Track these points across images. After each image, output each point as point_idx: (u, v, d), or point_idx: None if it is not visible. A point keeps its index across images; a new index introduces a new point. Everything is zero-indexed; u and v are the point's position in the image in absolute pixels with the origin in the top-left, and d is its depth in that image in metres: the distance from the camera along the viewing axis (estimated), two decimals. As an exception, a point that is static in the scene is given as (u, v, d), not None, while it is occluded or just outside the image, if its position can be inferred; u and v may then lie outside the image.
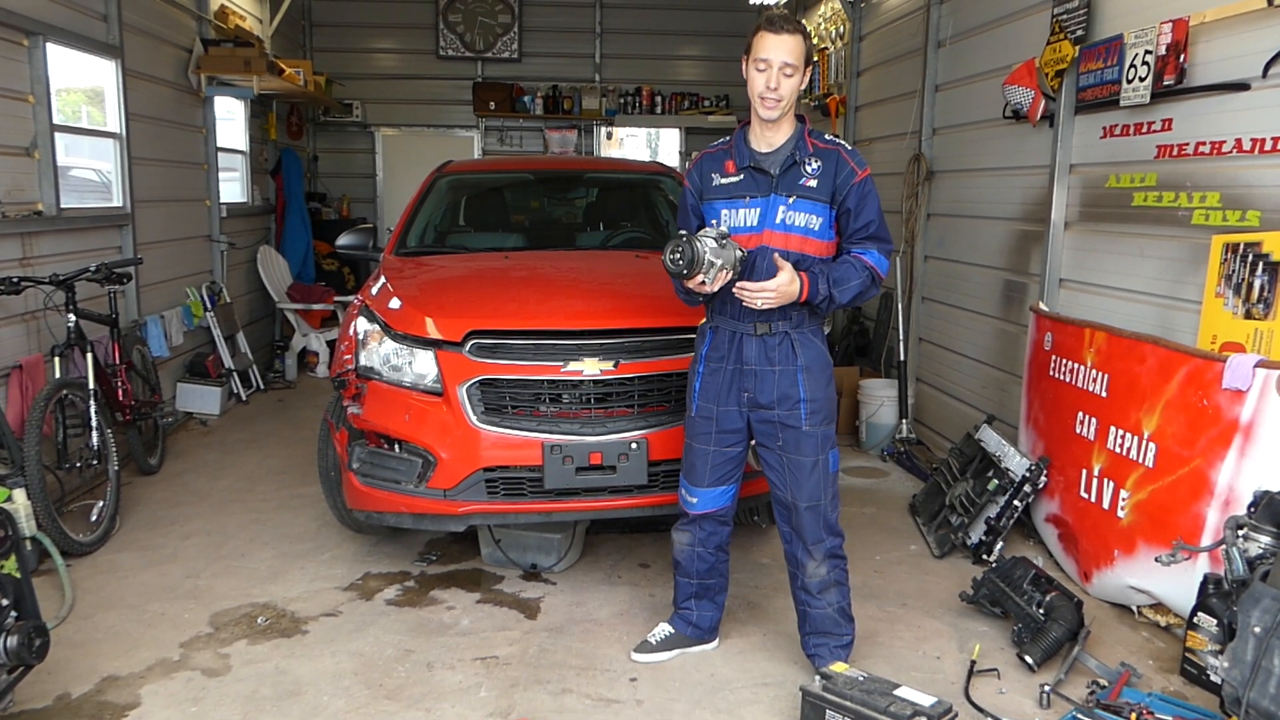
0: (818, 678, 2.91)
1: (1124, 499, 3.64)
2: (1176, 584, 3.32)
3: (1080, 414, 3.99)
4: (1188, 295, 3.68)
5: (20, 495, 2.76)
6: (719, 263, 2.88)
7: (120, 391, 5.03)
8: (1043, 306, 4.52)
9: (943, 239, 6.07)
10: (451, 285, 4.32)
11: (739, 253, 2.95)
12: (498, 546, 4.18)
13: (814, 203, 3.00)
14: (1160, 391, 3.49)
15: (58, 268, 4.63)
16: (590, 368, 3.67)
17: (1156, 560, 3.08)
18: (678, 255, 2.85)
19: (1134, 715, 2.81)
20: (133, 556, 4.28)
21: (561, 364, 3.68)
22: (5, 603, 2.57)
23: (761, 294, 2.92)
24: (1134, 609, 3.67)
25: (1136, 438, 3.60)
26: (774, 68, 2.89)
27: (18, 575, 2.69)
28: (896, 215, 6.26)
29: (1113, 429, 3.75)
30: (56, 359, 4.43)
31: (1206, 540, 3.15)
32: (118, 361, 5.09)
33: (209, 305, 6.94)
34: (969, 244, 5.68)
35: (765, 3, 8.04)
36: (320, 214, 9.85)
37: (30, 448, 3.97)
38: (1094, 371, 3.92)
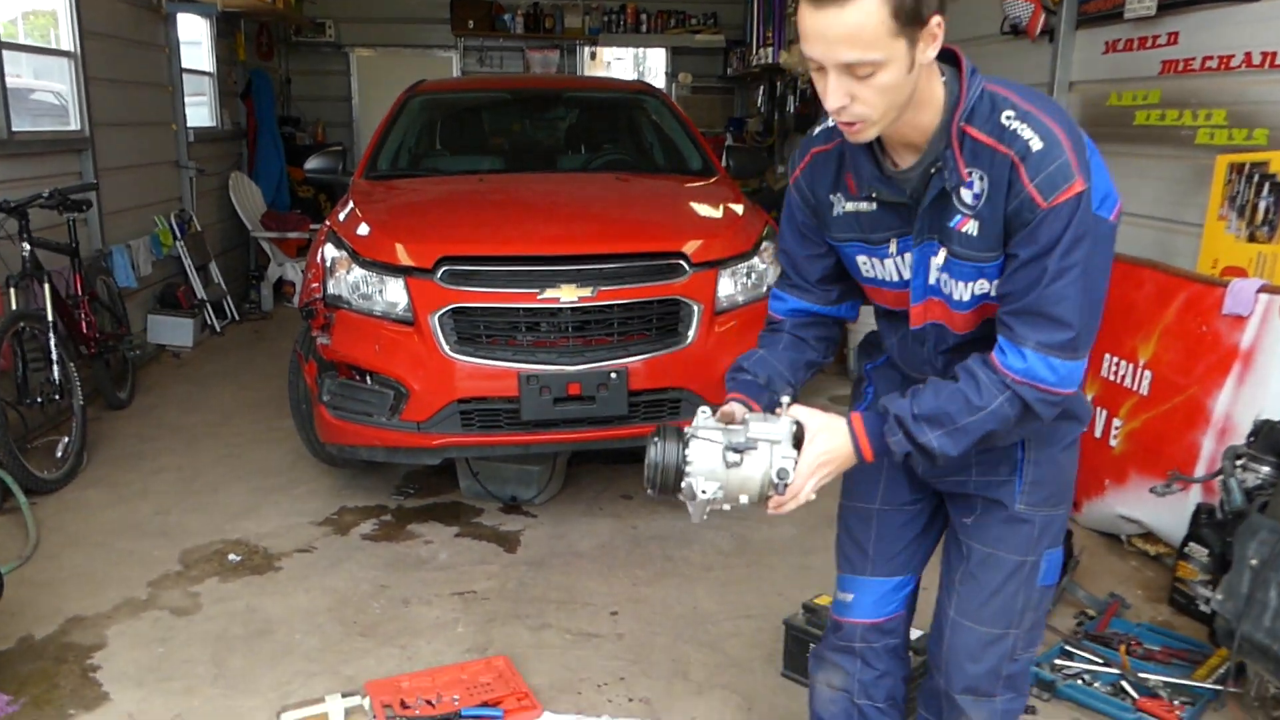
0: (801, 610, 2.84)
1: (1116, 428, 3.55)
2: (1167, 513, 3.25)
3: (1073, 340, 3.87)
4: (1189, 218, 3.55)
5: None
6: (710, 493, 1.64)
7: (84, 324, 4.85)
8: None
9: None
10: (423, 209, 4.15)
11: (775, 470, 1.65)
12: (476, 479, 4.09)
13: (978, 265, 1.59)
14: (1158, 318, 3.38)
15: (10, 195, 4.42)
16: (567, 294, 3.52)
17: (1151, 490, 3.00)
18: (649, 466, 1.66)
19: (1123, 647, 2.75)
20: (100, 493, 4.17)
21: (538, 291, 3.53)
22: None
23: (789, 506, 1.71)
24: (1123, 538, 3.61)
25: (1131, 365, 3.50)
26: (829, 70, 1.47)
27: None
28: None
29: (1107, 356, 3.64)
30: (12, 290, 4.24)
31: (1202, 470, 3.07)
32: (80, 293, 4.90)
33: (178, 234, 6.73)
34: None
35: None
36: (294, 139, 9.55)
37: (-14, 382, 3.82)
38: (1088, 297, 3.79)
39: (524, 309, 3.55)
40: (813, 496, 1.68)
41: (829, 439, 1.67)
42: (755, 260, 3.88)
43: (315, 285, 3.86)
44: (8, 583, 3.27)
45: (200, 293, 6.89)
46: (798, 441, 1.67)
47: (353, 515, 3.99)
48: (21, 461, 3.95)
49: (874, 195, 1.64)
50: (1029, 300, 1.52)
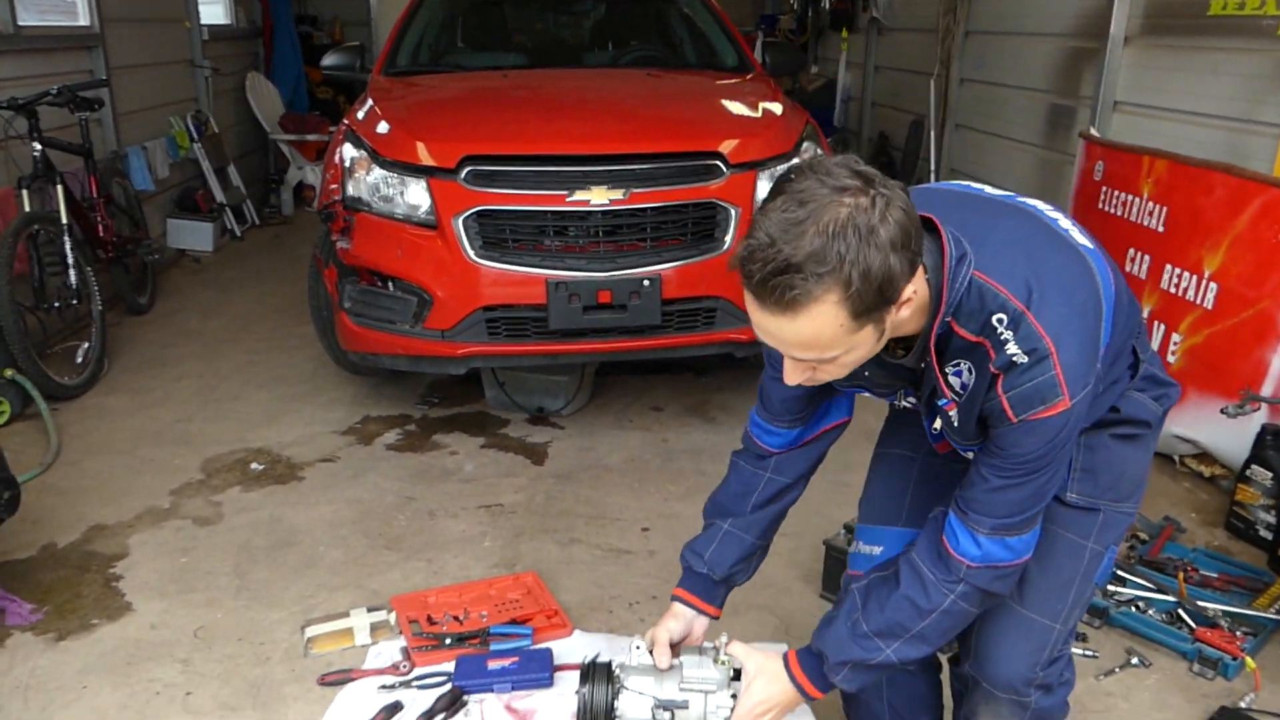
0: (841, 529, 2.72)
1: (1175, 343, 3.36)
2: (1228, 434, 3.09)
3: (1131, 251, 3.66)
4: (1266, 118, 3.30)
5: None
6: None
7: (100, 227, 4.73)
8: (1094, 132, 4.13)
9: (982, 59, 5.58)
10: (445, 107, 3.95)
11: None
12: (502, 389, 3.97)
13: (970, 444, 1.48)
14: (1228, 226, 3.16)
15: (18, 92, 4.24)
16: (598, 197, 3.34)
17: (1222, 411, 2.83)
18: (579, 709, 1.64)
19: (1180, 574, 2.62)
20: (122, 400, 4.09)
21: (566, 193, 3.35)
22: (-37, 454, 2.36)
23: None
24: (1176, 459, 3.45)
25: (1195, 277, 3.29)
26: (788, 358, 1.37)
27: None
28: (930, 35, 5.73)
29: (1168, 267, 3.44)
30: (25, 191, 4.10)
31: (1270, 389, 2.90)
32: (95, 195, 4.76)
33: (195, 135, 6.54)
34: (1012, 65, 5.21)
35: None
36: (311, 38, 9.26)
37: (1, 286, 3.70)
38: (1151, 204, 3.57)
39: (552, 212, 3.37)
40: None
41: (766, 686, 1.62)
42: (796, 162, 3.66)
43: (334, 187, 3.70)
44: (29, 489, 3.22)
45: (219, 196, 6.74)
46: (735, 679, 1.62)
47: (376, 425, 3.90)
48: (41, 367, 3.87)
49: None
50: (986, 497, 1.43)
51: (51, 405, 3.86)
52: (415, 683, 2.32)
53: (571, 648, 2.48)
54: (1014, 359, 1.30)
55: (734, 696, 1.61)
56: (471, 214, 3.37)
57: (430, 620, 2.55)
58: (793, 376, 1.39)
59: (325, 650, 2.45)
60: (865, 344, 1.30)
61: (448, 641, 2.45)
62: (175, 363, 4.53)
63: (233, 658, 2.43)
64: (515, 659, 2.37)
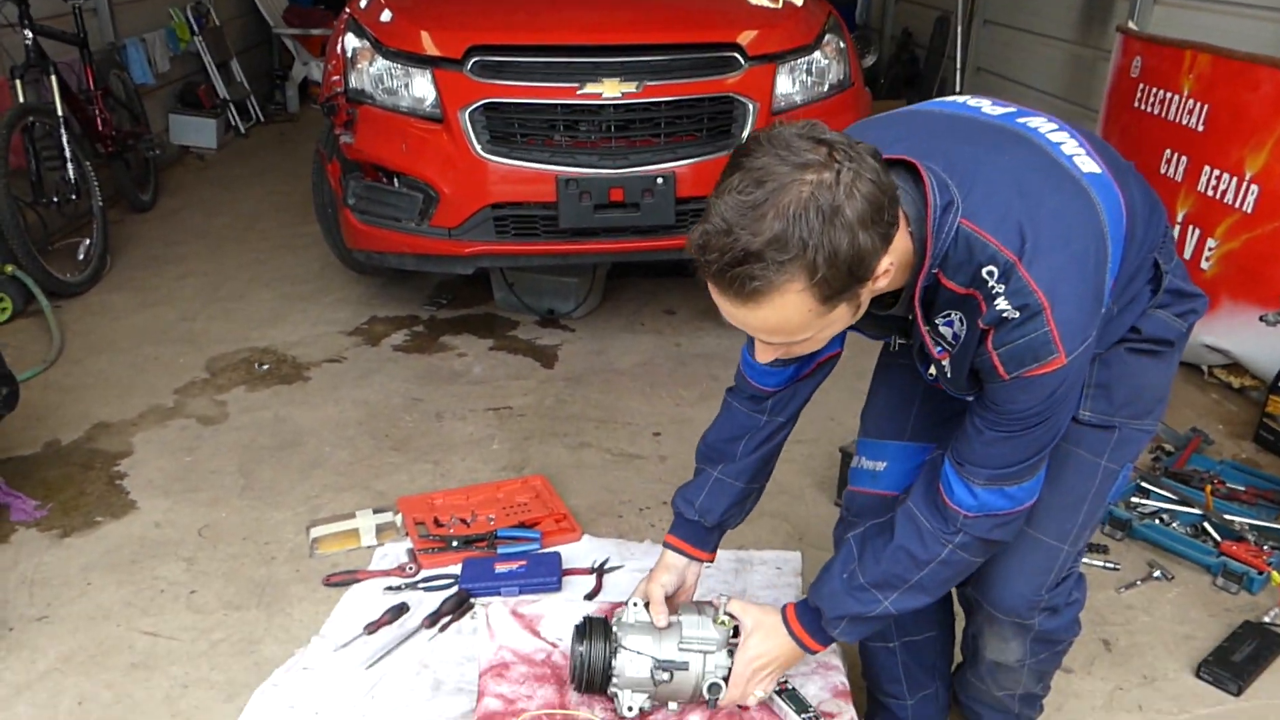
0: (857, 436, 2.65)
1: (1210, 249, 3.23)
2: (1261, 344, 2.99)
3: (1167, 152, 3.50)
4: (1321, 7, 3.10)
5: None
6: (637, 706, 1.57)
7: (99, 120, 4.59)
8: (1133, 26, 3.91)
9: (1016, -50, 5.30)
10: (451, -7, 3.75)
11: (707, 685, 1.57)
12: (511, 291, 3.88)
13: (965, 394, 1.37)
14: (1274, 124, 2.99)
15: (7, -26, 4.07)
16: (610, 89, 3.19)
17: (1261, 319, 2.73)
18: (574, 665, 1.60)
19: (1206, 486, 2.55)
20: (125, 297, 4.02)
21: (577, 85, 3.20)
22: (-43, 348, 2.30)
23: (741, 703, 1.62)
24: (1204, 369, 3.36)
25: (1235, 179, 3.14)
26: (757, 340, 1.29)
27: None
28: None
29: (1206, 169, 3.28)
30: (19, 82, 3.96)
31: (1310, 296, 2.78)
32: (92, 87, 4.61)
33: (196, 28, 6.33)
34: (1047, -45, 4.94)
35: None
36: (315, -75, 8.88)
37: (-4, 178, 3.60)
38: (1190, 101, 3.39)
39: (562, 105, 3.23)
40: (758, 695, 1.58)
41: (763, 640, 1.57)
42: (817, 55, 3.49)
43: (336, 79, 3.55)
44: (32, 386, 3.19)
45: (222, 92, 6.56)
46: (732, 645, 1.58)
47: (383, 325, 3.82)
48: (42, 264, 3.79)
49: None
50: (981, 449, 1.34)
51: (54, 302, 3.79)
52: (421, 585, 2.29)
53: (580, 552, 2.44)
54: (1004, 315, 1.20)
55: (733, 655, 1.57)
56: (478, 107, 3.23)
57: (437, 523, 2.51)
58: (764, 356, 1.31)
59: (331, 551, 2.42)
60: (840, 320, 1.22)
61: (454, 544, 2.41)
62: (179, 261, 4.44)
63: (237, 557, 2.40)
64: (523, 563, 2.33)
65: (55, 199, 4.04)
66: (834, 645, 1.83)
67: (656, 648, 1.56)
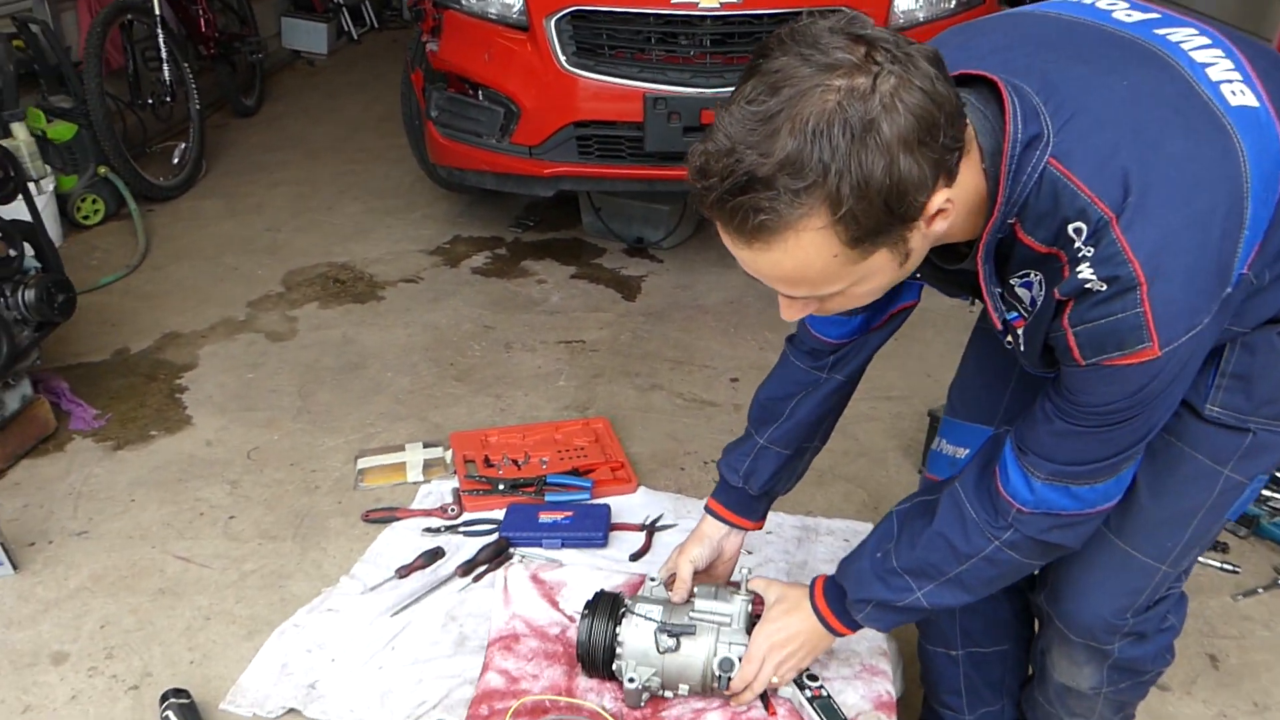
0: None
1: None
2: None
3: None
4: None
5: (21, 130, 2.36)
6: (642, 679, 1.40)
7: (201, 21, 4.55)
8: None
9: None
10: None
11: (718, 660, 1.40)
12: (598, 216, 3.69)
13: (1044, 373, 1.11)
14: None
15: None
16: (708, 0, 2.91)
17: None
18: (579, 642, 1.46)
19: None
20: (215, 204, 4.00)
21: (673, -6, 2.93)
22: (13, 254, 2.25)
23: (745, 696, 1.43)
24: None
25: None
26: (779, 295, 1.04)
27: (29, 222, 2.35)
28: None
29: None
30: (118, -23, 3.92)
31: None
32: (196, -14, 4.57)
33: (311, -73, 6.23)
34: None
35: None
36: None
37: (90, 79, 3.57)
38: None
39: (655, 15, 2.97)
40: (775, 682, 1.37)
41: (784, 615, 1.38)
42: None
43: (425, -19, 3.37)
44: (112, 291, 3.19)
45: (336, -5, 6.48)
46: (753, 624, 1.39)
47: (466, 246, 3.69)
48: (135, 166, 3.79)
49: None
50: (1048, 439, 1.09)
51: (146, 207, 3.79)
52: (462, 529, 2.17)
53: (633, 506, 2.27)
54: (1087, 286, 0.93)
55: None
56: (565, 15, 3.00)
57: (487, 462, 2.37)
58: (789, 312, 1.05)
59: (375, 484, 2.32)
60: (881, 271, 0.96)
61: (501, 487, 2.27)
62: (274, 169, 4.40)
63: (281, 483, 2.33)
64: (570, 513, 2.18)
65: (151, 100, 4.02)
66: (885, 648, 1.62)
67: (666, 615, 1.39)
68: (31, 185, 2.33)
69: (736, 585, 1.43)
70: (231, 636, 1.87)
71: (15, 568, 2.01)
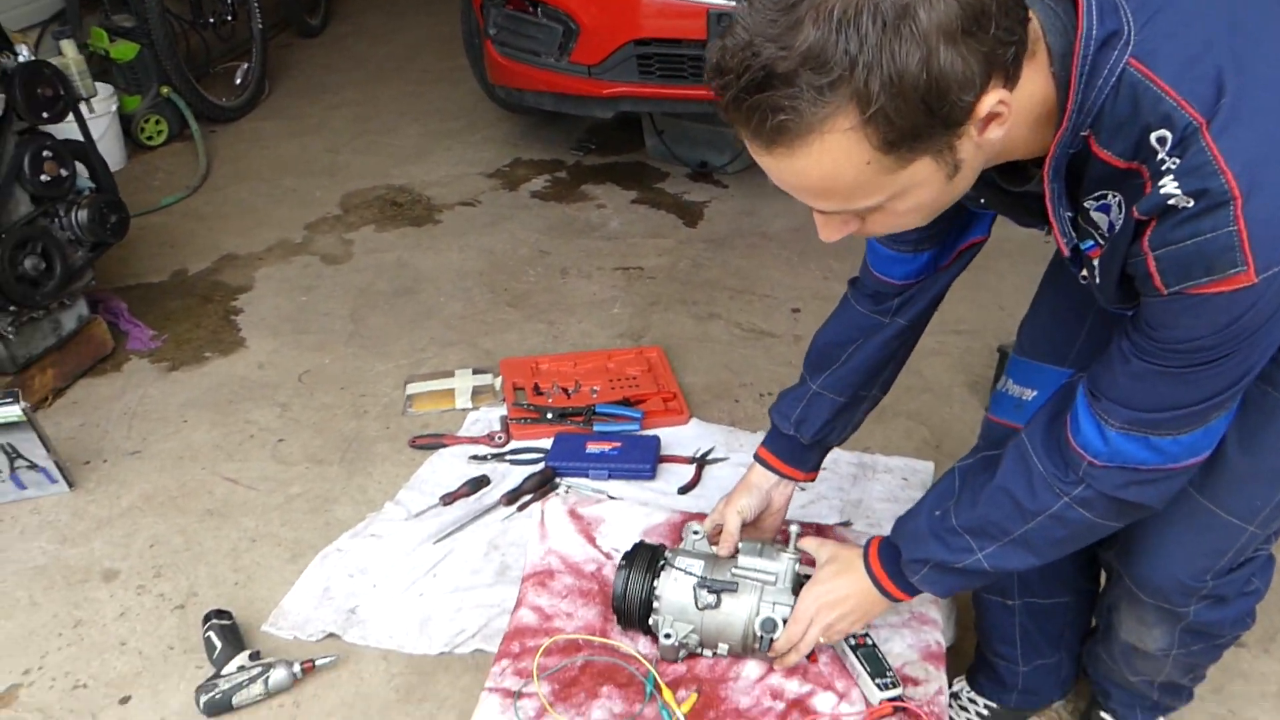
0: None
1: None
2: None
3: None
4: None
5: (70, 48, 2.33)
6: (679, 635, 1.33)
7: (264, -63, 4.47)
8: None
9: None
10: None
11: (760, 620, 1.31)
12: (661, 139, 3.57)
13: (1121, 309, 0.98)
14: None
15: None
16: (776, -95, 2.73)
17: None
18: (615, 595, 1.39)
19: None
20: (277, 125, 3.98)
21: (738, -102, 2.76)
22: (65, 173, 2.24)
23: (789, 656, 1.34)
24: None
25: None
26: (813, 211, 0.94)
27: (81, 142, 2.34)
28: None
29: None
30: (178, -108, 3.86)
31: None
32: (259, -99, 4.48)
33: None
34: None
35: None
36: None
37: (151, -3, 3.55)
38: None
39: (720, -76, 2.81)
40: (822, 643, 1.28)
41: (836, 575, 1.29)
42: None
43: (483, -110, 3.24)
44: (173, 213, 3.20)
45: (402, -89, 6.33)
46: (800, 584, 1.32)
47: (525, 169, 3.61)
48: (197, 87, 3.77)
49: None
50: (1125, 383, 0.97)
51: (208, 127, 3.79)
52: (508, 457, 2.13)
53: (684, 438, 2.21)
54: (1171, 201, 0.81)
55: (798, 590, 1.30)
56: (626, -75, 2.85)
57: (536, 390, 2.33)
58: (827, 233, 0.95)
59: (424, 410, 2.30)
60: (926, 183, 0.84)
61: (549, 416, 2.23)
62: (336, 89, 4.35)
63: (330, 407, 2.31)
64: (618, 444, 2.13)
65: (213, 20, 3.98)
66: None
67: (707, 570, 1.33)
68: (82, 105, 2.28)
69: (785, 542, 1.36)
70: (275, 559, 1.87)
71: (71, 485, 2.03)
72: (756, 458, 1.52)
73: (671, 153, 3.57)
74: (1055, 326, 1.27)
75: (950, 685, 1.45)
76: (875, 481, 2.08)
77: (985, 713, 1.58)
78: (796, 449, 1.47)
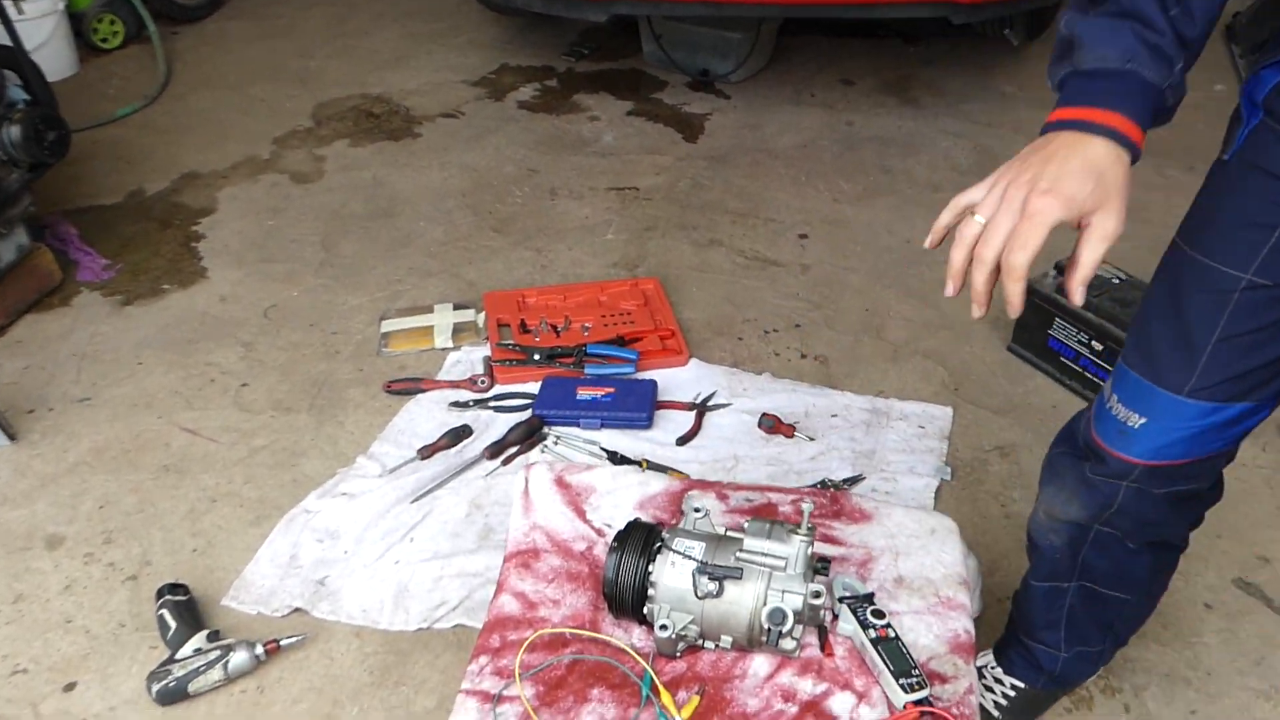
0: (1052, 269, 2.06)
1: None
2: None
3: None
4: None
5: (-7, -62, 2.07)
6: (676, 627, 1.15)
7: None
8: None
9: None
10: None
11: (767, 612, 1.12)
12: (659, 45, 3.30)
13: None
14: None
15: None
16: None
17: None
18: (605, 580, 1.19)
19: None
20: (244, 26, 3.69)
21: None
22: (-8, 83, 2.00)
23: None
24: None
25: None
26: None
27: (7, 46, 2.09)
28: None
29: None
30: None
31: None
32: None
33: None
34: None
35: None
36: None
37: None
38: None
39: None
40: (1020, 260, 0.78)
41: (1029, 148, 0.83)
42: None
43: None
44: (129, 125, 2.98)
45: None
46: (819, 569, 1.17)
47: (513, 76, 3.35)
48: (155, -15, 3.47)
49: None
50: None
51: (169, 28, 3.51)
52: (492, 403, 1.96)
53: (682, 381, 2.04)
54: None
55: (817, 595, 1.13)
56: None
57: (523, 327, 2.14)
58: None
59: (400, 350, 2.11)
60: None
61: (536, 357, 2.05)
62: (308, -14, 4.04)
63: (299, 346, 2.13)
64: (611, 389, 1.96)
65: (171, -92, 3.65)
66: (965, 575, 1.37)
67: (708, 554, 1.17)
68: (8, 3, 2.03)
69: (796, 525, 1.19)
70: (238, 522, 1.71)
71: (12, 438, 1.86)
72: (1087, 128, 0.82)
73: (670, 59, 3.31)
74: (1175, 339, 1.00)
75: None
76: (890, 430, 1.92)
77: (1011, 693, 1.45)
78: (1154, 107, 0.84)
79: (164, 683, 1.42)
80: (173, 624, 1.48)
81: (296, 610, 1.55)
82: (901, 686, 1.14)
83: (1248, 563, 1.64)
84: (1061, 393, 2.01)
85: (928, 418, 1.95)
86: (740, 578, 1.13)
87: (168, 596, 1.52)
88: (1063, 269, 1.79)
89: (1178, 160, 2.76)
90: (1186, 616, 1.55)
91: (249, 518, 1.72)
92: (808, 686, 1.18)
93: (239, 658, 1.45)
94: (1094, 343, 1.92)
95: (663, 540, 1.18)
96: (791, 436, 1.87)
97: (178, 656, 1.45)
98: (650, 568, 1.16)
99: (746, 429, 1.90)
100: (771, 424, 1.88)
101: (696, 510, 1.23)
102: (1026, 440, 1.88)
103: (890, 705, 1.16)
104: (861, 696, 1.17)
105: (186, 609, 1.51)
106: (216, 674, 1.44)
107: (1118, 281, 1.98)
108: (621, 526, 1.25)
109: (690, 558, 1.15)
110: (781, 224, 2.59)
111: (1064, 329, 1.97)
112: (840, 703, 1.16)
